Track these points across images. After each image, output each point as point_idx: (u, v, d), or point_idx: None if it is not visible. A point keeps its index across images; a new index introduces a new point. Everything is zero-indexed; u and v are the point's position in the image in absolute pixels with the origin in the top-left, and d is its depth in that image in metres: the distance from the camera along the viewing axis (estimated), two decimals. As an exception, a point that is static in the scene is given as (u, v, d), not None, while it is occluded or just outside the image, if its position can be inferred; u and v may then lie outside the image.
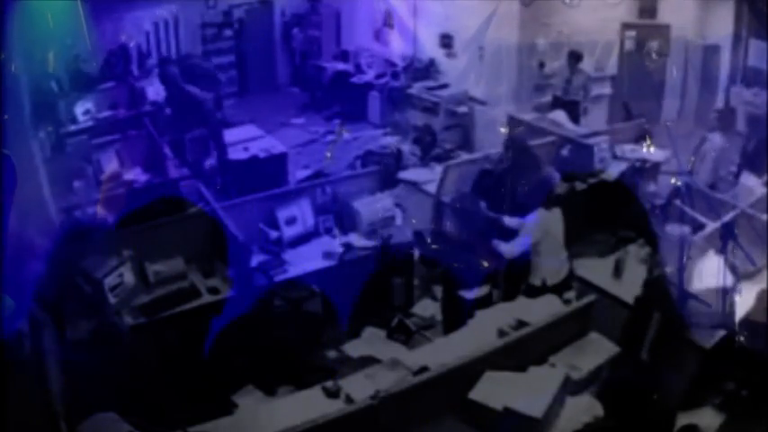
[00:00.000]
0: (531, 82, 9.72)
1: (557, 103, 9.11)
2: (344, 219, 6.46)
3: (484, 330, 4.67)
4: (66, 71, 8.35)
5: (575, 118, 8.88)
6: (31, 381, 3.88)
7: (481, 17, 9.75)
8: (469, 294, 5.34)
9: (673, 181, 6.70)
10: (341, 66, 11.64)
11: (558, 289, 5.36)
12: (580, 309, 4.71)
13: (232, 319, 5.20)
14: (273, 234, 6.10)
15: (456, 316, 5.29)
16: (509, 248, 5.51)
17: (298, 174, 8.59)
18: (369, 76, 11.27)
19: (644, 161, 7.94)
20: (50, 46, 7.08)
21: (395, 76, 10.91)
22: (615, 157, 7.83)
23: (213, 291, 5.45)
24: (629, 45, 10.17)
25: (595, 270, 5.72)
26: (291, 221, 6.19)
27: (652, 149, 8.03)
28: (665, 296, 5.07)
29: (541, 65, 9.72)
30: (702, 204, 6.30)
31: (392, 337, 5.27)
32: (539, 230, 5.45)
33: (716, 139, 7.29)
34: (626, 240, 5.98)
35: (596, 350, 4.45)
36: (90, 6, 8.51)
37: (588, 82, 9.23)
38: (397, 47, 11.18)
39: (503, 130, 7.16)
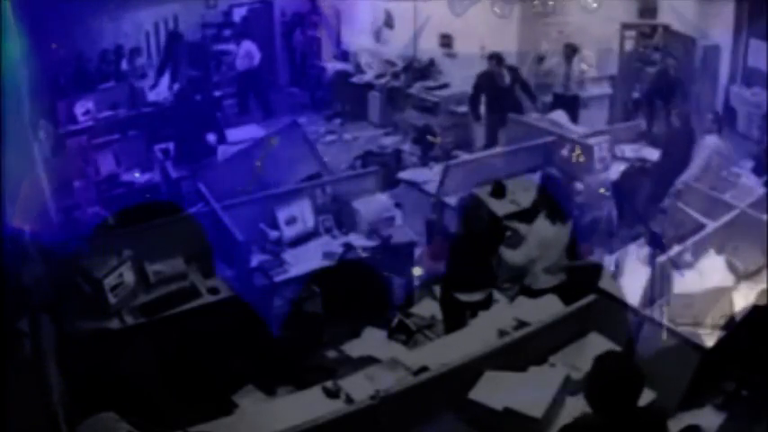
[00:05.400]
0: (531, 81, 9.71)
1: (557, 101, 9.13)
2: (344, 219, 6.46)
3: (484, 330, 4.67)
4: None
5: (575, 113, 8.91)
6: (31, 381, 3.88)
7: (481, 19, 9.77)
8: (467, 298, 5.31)
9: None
10: (341, 66, 11.65)
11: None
12: (580, 309, 4.71)
13: (232, 319, 5.21)
14: (273, 234, 6.10)
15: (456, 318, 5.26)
16: (512, 256, 5.49)
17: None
18: (369, 76, 11.28)
19: (644, 161, 7.96)
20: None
21: (395, 76, 10.92)
22: (615, 157, 7.85)
23: (213, 291, 5.45)
24: (629, 45, 10.17)
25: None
26: (291, 221, 6.19)
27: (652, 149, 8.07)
28: None
29: (540, 59, 9.74)
30: (702, 204, 6.30)
31: (392, 337, 5.27)
32: (543, 243, 5.44)
33: (711, 140, 7.26)
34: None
35: (596, 350, 4.43)
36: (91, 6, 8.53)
37: (584, 75, 9.28)
38: (397, 47, 11.18)
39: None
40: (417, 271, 6.24)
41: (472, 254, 5.22)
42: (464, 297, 5.24)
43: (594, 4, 8.93)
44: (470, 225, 5.18)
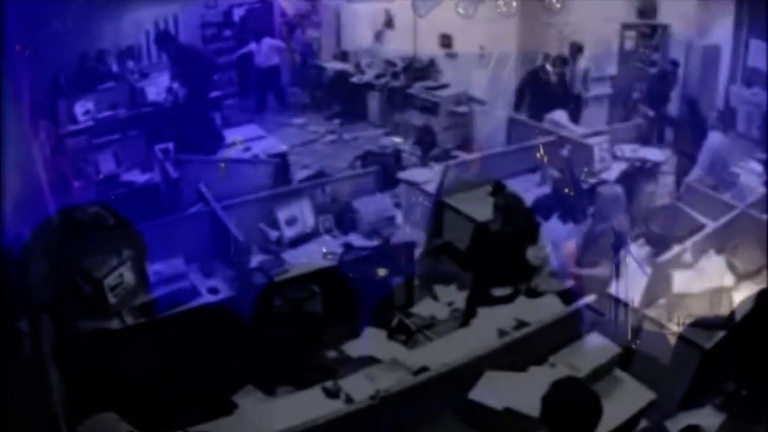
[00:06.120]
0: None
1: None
2: (344, 219, 6.46)
3: (484, 330, 4.67)
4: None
5: (577, 113, 8.93)
6: (31, 381, 3.88)
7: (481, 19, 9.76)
8: (500, 292, 5.33)
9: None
10: (341, 66, 11.65)
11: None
12: (580, 309, 4.71)
13: (232, 318, 5.21)
14: (273, 234, 6.10)
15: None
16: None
17: (298, 174, 8.60)
18: (369, 76, 11.28)
19: (644, 161, 7.96)
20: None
21: (395, 76, 10.91)
22: (615, 157, 7.86)
23: (213, 291, 5.44)
24: (629, 45, 10.17)
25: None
26: (291, 221, 6.20)
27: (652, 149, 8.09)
28: None
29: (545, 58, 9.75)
30: (702, 204, 6.30)
31: (392, 337, 5.27)
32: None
33: (716, 138, 7.27)
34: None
35: (596, 350, 4.45)
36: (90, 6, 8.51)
37: (588, 75, 9.29)
38: (396, 47, 11.18)
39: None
40: (382, 272, 6.23)
41: (511, 250, 5.28)
42: (498, 292, 5.28)
43: (558, 5, 8.96)
44: (511, 222, 5.22)
